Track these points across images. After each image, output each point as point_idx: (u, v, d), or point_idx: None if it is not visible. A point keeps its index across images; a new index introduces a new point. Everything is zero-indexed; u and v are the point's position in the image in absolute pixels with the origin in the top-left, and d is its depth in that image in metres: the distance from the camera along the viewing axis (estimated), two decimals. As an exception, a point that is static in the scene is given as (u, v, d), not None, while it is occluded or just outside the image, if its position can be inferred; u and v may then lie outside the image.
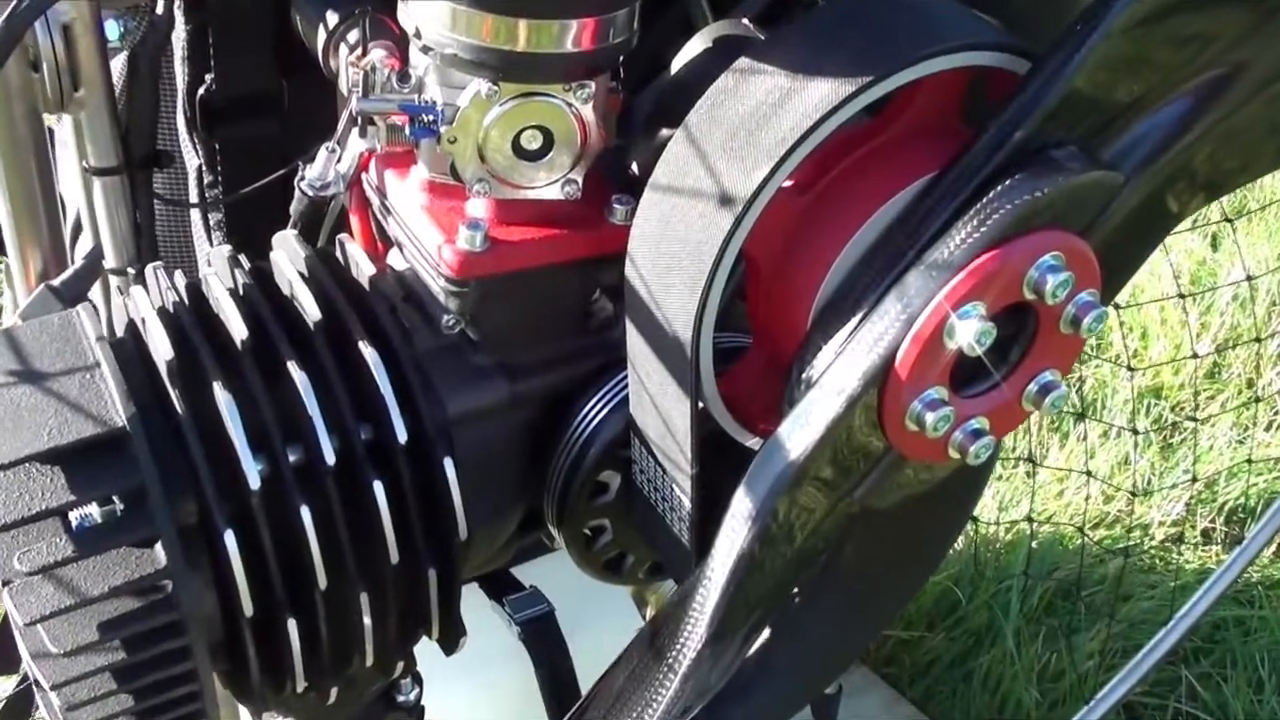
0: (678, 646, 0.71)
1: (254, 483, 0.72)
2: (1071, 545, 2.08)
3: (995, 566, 2.04)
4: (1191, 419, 2.14)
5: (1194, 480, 2.06)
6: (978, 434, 0.70)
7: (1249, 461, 2.09)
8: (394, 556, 0.76)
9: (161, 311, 0.78)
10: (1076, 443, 2.21)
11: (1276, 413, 2.27)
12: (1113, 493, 2.13)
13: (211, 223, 1.10)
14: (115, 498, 0.71)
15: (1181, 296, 2.03)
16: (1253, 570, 2.00)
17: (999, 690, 1.94)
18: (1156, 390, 2.32)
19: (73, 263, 1.03)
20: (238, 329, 0.75)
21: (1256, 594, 2.06)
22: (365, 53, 0.80)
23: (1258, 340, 2.00)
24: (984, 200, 0.66)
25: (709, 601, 0.70)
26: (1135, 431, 2.08)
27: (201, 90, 1.02)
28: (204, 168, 1.06)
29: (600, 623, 1.24)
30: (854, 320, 0.68)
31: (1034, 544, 2.04)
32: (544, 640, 1.16)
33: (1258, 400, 2.12)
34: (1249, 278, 2.05)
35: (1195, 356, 2.13)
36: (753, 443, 0.80)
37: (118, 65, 1.02)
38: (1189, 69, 0.70)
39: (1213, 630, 2.02)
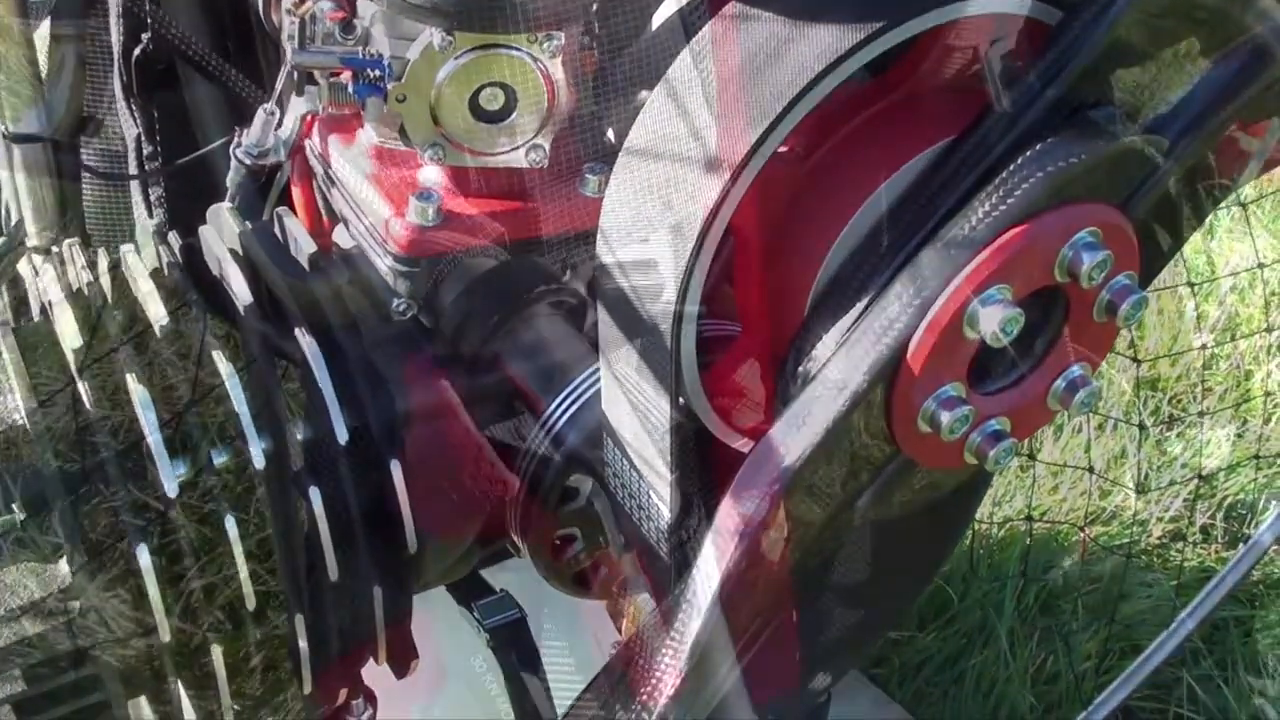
0: (653, 682, 0.67)
1: (172, 490, 0.69)
2: (1067, 542, 2.05)
3: (988, 564, 2.01)
4: (1199, 413, 2.10)
5: (1199, 476, 2.02)
6: (998, 436, 0.67)
7: (1256, 457, 2.05)
8: (333, 573, 0.73)
9: (75, 294, 0.74)
10: (1071, 436, 2.17)
11: (1277, 406, 2.24)
12: (1109, 488, 2.09)
13: (153, 197, 1.05)
14: (15, 506, 0.68)
15: (1190, 285, 1.98)
16: (1254, 569, 1.97)
17: (992, 692, 1.93)
18: (1153, 382, 2.30)
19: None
20: (156, 314, 0.71)
21: (1258, 593, 2.02)
22: (304, 0, 0.73)
23: (1268, 330, 1.95)
24: (1010, 168, 0.62)
25: (689, 628, 0.66)
26: (1142, 426, 2.04)
27: (138, 51, 0.98)
28: (143, 137, 1.00)
29: (578, 630, 1.21)
30: (859, 306, 0.65)
31: (1028, 540, 2.00)
32: (515, 649, 1.11)
33: (1267, 394, 2.07)
34: (1260, 265, 2.01)
35: (1204, 348, 2.10)
36: (741, 445, 0.76)
37: (45, 24, 0.96)
38: (1243, 21, 0.66)
39: (1212, 631, 1.98)
